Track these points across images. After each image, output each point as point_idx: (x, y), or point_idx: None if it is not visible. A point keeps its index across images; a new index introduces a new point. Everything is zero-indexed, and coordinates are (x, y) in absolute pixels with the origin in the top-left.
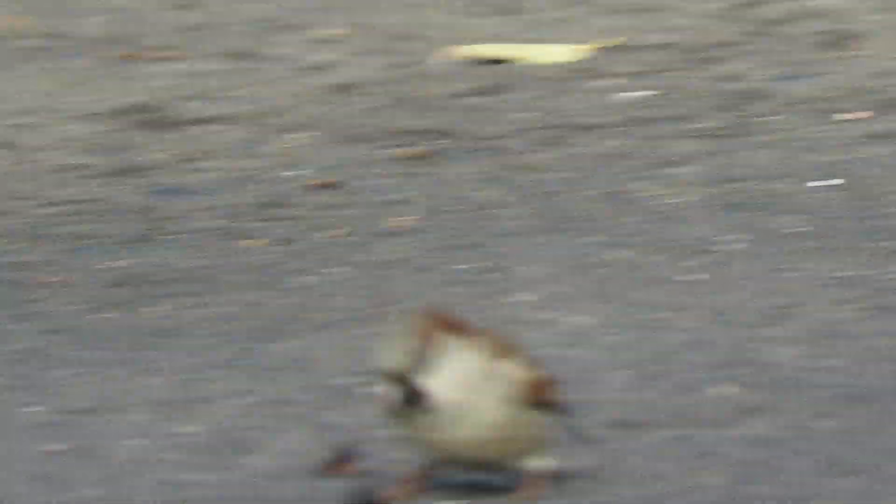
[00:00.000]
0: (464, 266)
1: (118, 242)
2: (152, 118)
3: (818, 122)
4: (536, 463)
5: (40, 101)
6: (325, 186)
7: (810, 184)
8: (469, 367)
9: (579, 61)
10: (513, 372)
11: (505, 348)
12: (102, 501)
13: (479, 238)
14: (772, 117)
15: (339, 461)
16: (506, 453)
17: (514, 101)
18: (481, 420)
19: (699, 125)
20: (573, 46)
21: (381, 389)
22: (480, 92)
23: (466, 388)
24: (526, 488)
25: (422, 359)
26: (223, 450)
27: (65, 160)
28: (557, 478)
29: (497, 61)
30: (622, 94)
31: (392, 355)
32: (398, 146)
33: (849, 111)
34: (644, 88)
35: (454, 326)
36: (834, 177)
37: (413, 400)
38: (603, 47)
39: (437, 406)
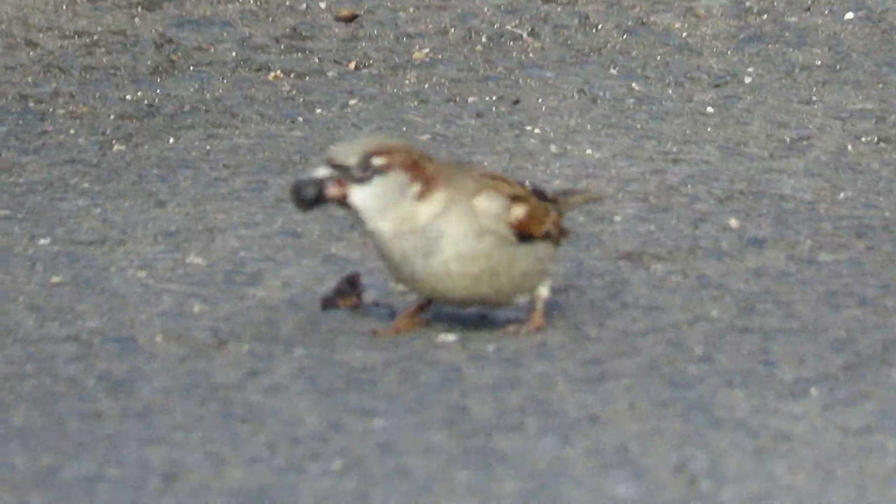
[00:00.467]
0: (476, 98)
1: (133, 75)
2: None
3: None
4: (532, 295)
5: None
6: (346, 18)
7: (827, 17)
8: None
9: None
10: (489, 204)
11: (489, 182)
12: (105, 332)
13: (493, 71)
14: None
15: (341, 293)
16: (490, 289)
17: None
18: (454, 252)
19: None
20: None
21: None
22: None
23: (397, 218)
24: (525, 321)
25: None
26: (229, 281)
27: None
28: (559, 309)
29: None
30: None
31: (344, 149)
32: None
33: None
34: None
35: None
36: (854, 10)
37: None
38: None
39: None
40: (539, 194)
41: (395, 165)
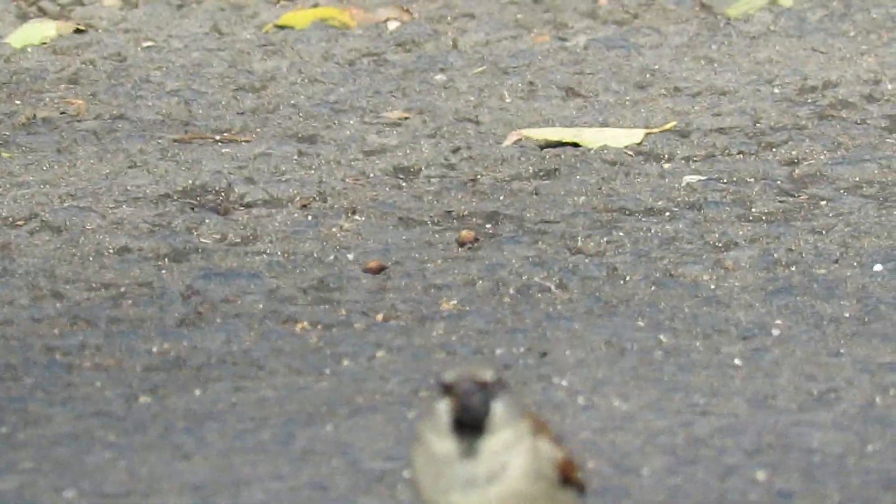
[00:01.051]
0: (503, 350)
1: (160, 327)
2: (205, 202)
3: (873, 208)
4: None
5: (95, 184)
6: (374, 270)
7: (856, 269)
8: (514, 434)
9: (639, 144)
10: (547, 448)
11: (539, 426)
12: None
13: (521, 322)
14: (828, 202)
15: None
16: None
17: (573, 185)
18: (512, 488)
19: (754, 210)
20: (633, 130)
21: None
22: (539, 175)
23: (507, 452)
24: None
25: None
26: None
27: (113, 243)
28: None
29: (555, 144)
30: (680, 178)
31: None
32: (450, 230)
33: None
34: (701, 172)
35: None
36: (882, 262)
37: (468, 415)
38: (663, 130)
39: (493, 428)
40: None
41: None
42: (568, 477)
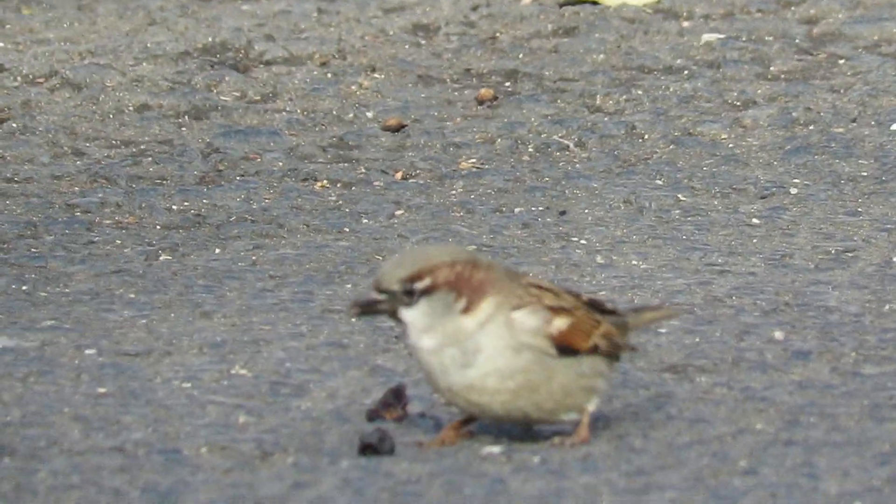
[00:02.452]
0: (522, 209)
1: (180, 185)
2: (225, 59)
3: (892, 66)
4: (578, 413)
5: (115, 42)
6: (393, 128)
7: (874, 128)
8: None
9: (658, 2)
10: (529, 319)
11: (532, 294)
12: (151, 444)
13: (539, 181)
14: (846, 61)
15: (387, 405)
16: (530, 404)
17: (591, 43)
18: (493, 366)
19: (773, 68)
20: None
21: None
22: (558, 34)
23: (448, 336)
24: (570, 433)
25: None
26: (274, 393)
27: (133, 101)
28: (604, 419)
29: (575, 2)
30: (699, 36)
31: (388, 276)
32: (469, 88)
33: None
34: (720, 31)
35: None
36: None
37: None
38: None
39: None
40: (596, 306)
41: (440, 285)
42: (570, 345)
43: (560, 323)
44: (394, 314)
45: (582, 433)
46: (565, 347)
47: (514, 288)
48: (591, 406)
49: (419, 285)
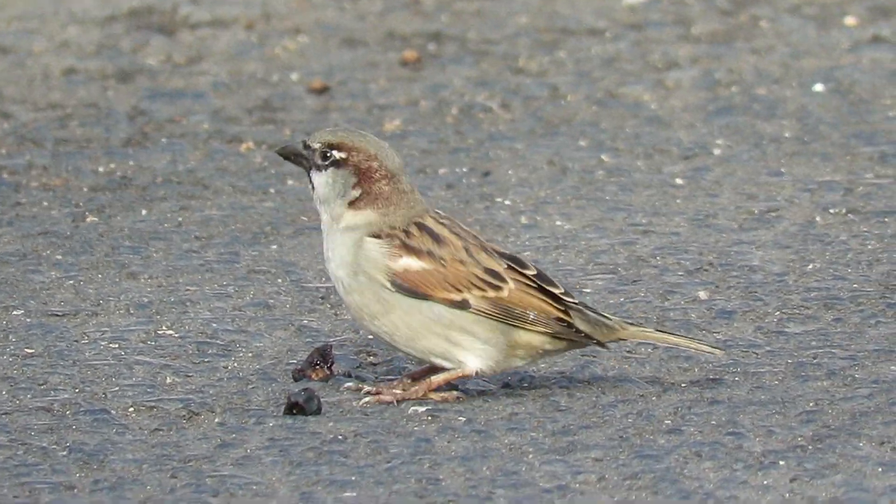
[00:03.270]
0: (446, 170)
1: (106, 147)
2: (151, 22)
3: (813, 28)
4: (453, 364)
5: (42, 6)
6: (318, 90)
7: (796, 89)
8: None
9: None
10: (379, 251)
11: (412, 231)
12: (78, 403)
13: (463, 142)
14: (769, 22)
15: (313, 365)
16: (383, 332)
17: (515, 6)
18: (333, 272)
19: (695, 30)
20: None
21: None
22: None
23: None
24: (426, 384)
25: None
26: (201, 353)
27: (59, 65)
28: (529, 379)
29: None
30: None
31: (318, 133)
32: (393, 50)
33: (843, 17)
34: None
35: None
36: (823, 82)
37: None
38: None
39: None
40: (545, 280)
41: (350, 164)
42: (417, 288)
43: (409, 263)
44: (308, 172)
45: (419, 389)
46: (409, 289)
47: (402, 218)
48: (464, 366)
49: (334, 154)
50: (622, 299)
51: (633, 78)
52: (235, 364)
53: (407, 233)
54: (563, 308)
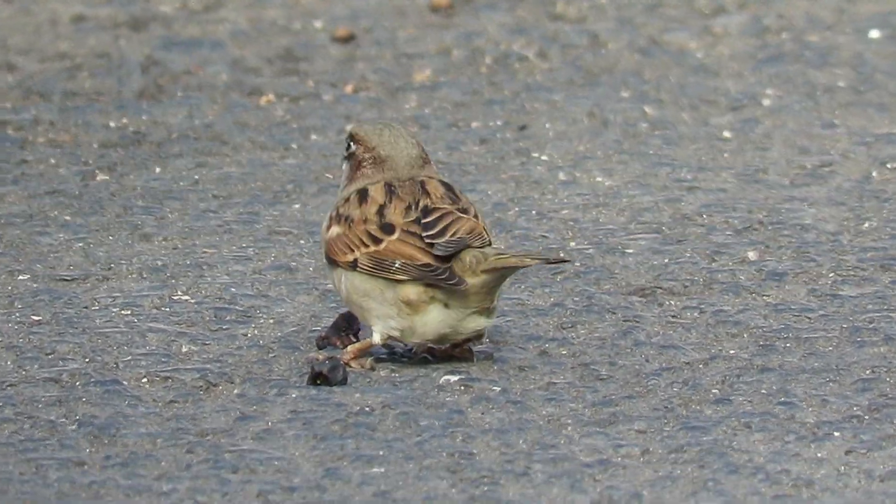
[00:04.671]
0: (480, 123)
1: (117, 101)
2: None
3: None
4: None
5: None
6: (343, 39)
7: (850, 36)
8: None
9: None
10: (327, 226)
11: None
12: (88, 374)
13: (498, 94)
14: None
15: (339, 332)
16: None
17: None
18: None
19: None
20: None
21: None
22: None
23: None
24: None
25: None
26: (218, 320)
27: (67, 12)
28: (568, 346)
29: None
30: None
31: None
32: None
33: None
34: None
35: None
36: (879, 27)
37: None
38: None
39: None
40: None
41: (357, 154)
42: (330, 254)
43: (333, 232)
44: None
45: (344, 355)
46: (329, 257)
47: (356, 187)
48: (375, 334)
49: (352, 146)
50: (666, 260)
51: (677, 24)
52: (256, 331)
53: (346, 200)
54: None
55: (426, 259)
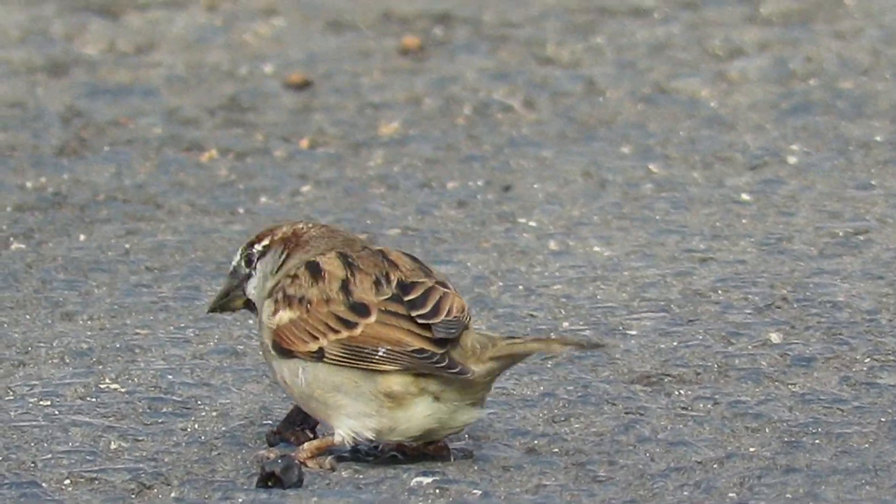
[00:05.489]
0: (457, 183)
1: (34, 157)
2: (89, 3)
3: None
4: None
5: None
6: (297, 85)
7: (889, 82)
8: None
9: None
10: (270, 314)
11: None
12: (1, 475)
13: (478, 149)
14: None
15: (292, 426)
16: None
17: None
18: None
19: (764, 8)
20: None
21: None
22: None
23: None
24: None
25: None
26: (153, 412)
27: None
28: (560, 442)
29: None
30: None
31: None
32: (390, 35)
33: None
34: None
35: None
36: None
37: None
38: None
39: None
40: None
41: (275, 243)
42: (283, 344)
43: (281, 317)
44: (244, 294)
45: (299, 453)
46: (280, 346)
47: (297, 261)
48: (338, 434)
49: (257, 247)
50: (675, 343)
51: (687, 69)
52: (196, 425)
53: (293, 278)
54: (430, 336)
55: (419, 344)
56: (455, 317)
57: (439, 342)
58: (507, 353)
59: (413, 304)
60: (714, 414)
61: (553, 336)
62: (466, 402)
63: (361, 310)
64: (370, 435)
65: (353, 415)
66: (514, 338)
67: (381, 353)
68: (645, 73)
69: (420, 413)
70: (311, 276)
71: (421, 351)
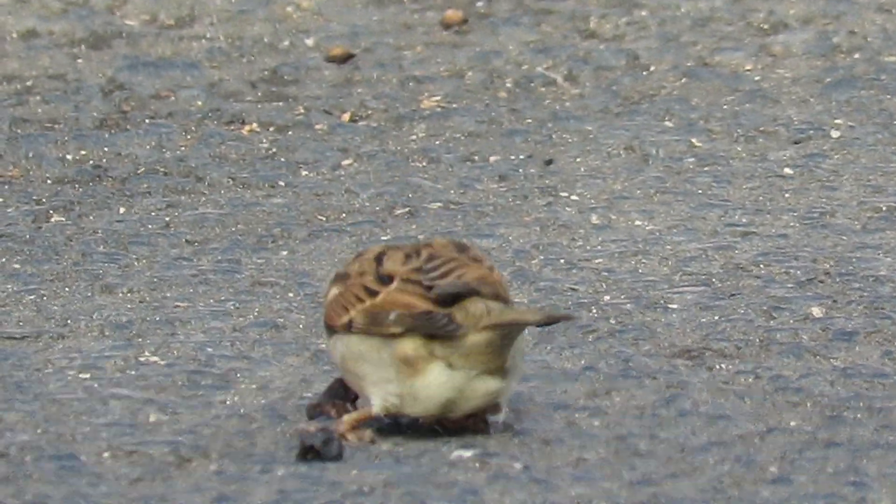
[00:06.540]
0: (499, 157)
1: (75, 130)
2: None
3: None
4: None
5: None
6: (339, 59)
7: None
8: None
9: None
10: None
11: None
12: (40, 447)
13: (520, 123)
14: None
15: (332, 399)
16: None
17: None
18: None
19: None
20: None
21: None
22: None
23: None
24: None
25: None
26: (193, 385)
27: (18, 26)
28: (601, 416)
29: None
30: None
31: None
32: (433, 9)
33: None
34: None
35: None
36: None
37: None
38: None
39: None
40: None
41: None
42: (327, 320)
43: (332, 293)
44: None
45: (339, 426)
46: (327, 324)
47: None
48: (374, 403)
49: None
50: (716, 317)
51: (730, 43)
52: (236, 398)
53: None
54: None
55: (425, 306)
56: (464, 282)
57: (443, 304)
58: (494, 323)
59: (428, 271)
60: (755, 388)
61: (531, 308)
62: (481, 371)
63: (386, 280)
64: (395, 401)
65: (378, 382)
66: (506, 309)
67: (391, 318)
68: (688, 46)
69: (436, 380)
70: (356, 255)
71: (426, 313)
